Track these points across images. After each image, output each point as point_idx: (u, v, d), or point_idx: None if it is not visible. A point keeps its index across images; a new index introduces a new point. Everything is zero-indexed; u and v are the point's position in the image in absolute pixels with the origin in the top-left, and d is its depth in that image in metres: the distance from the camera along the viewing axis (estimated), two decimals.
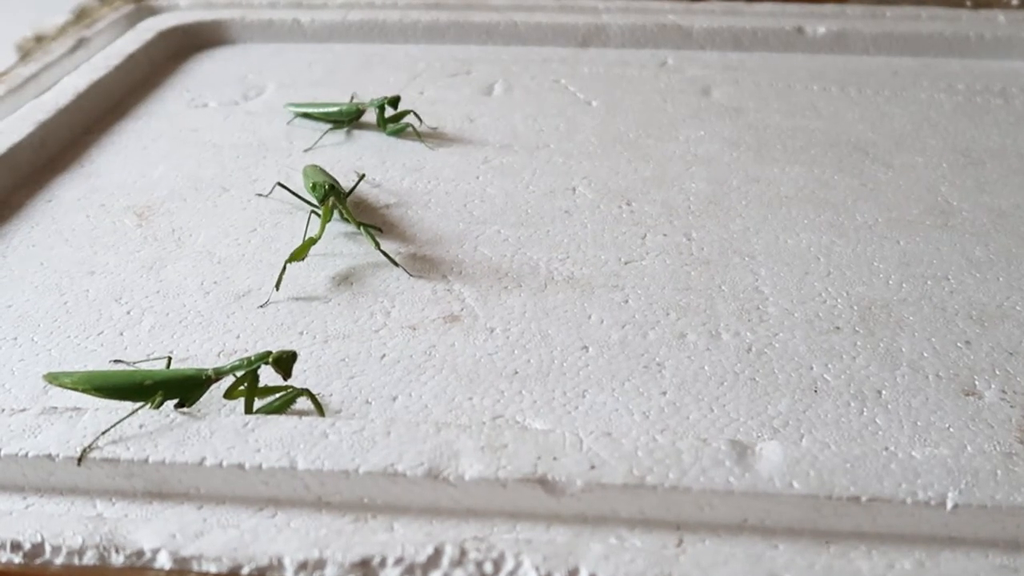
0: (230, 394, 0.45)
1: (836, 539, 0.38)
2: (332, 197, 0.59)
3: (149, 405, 0.42)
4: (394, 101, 0.73)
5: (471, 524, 0.39)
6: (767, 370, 0.48)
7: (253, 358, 0.44)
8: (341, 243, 0.59)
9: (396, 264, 0.56)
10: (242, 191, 0.66)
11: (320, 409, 0.45)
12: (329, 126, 0.75)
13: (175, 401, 0.44)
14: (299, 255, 0.55)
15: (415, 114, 0.74)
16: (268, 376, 0.47)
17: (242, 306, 0.54)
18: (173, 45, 0.91)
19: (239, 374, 0.44)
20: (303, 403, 0.45)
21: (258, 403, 0.45)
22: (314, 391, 0.46)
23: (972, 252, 0.57)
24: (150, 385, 0.43)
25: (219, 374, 0.44)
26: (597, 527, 0.39)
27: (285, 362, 0.44)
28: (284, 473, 0.40)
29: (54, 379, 0.45)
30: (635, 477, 0.38)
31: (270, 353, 0.43)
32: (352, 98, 0.77)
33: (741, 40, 0.89)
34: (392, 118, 0.74)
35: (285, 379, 0.44)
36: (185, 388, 0.44)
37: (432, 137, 0.74)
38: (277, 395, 0.45)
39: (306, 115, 0.76)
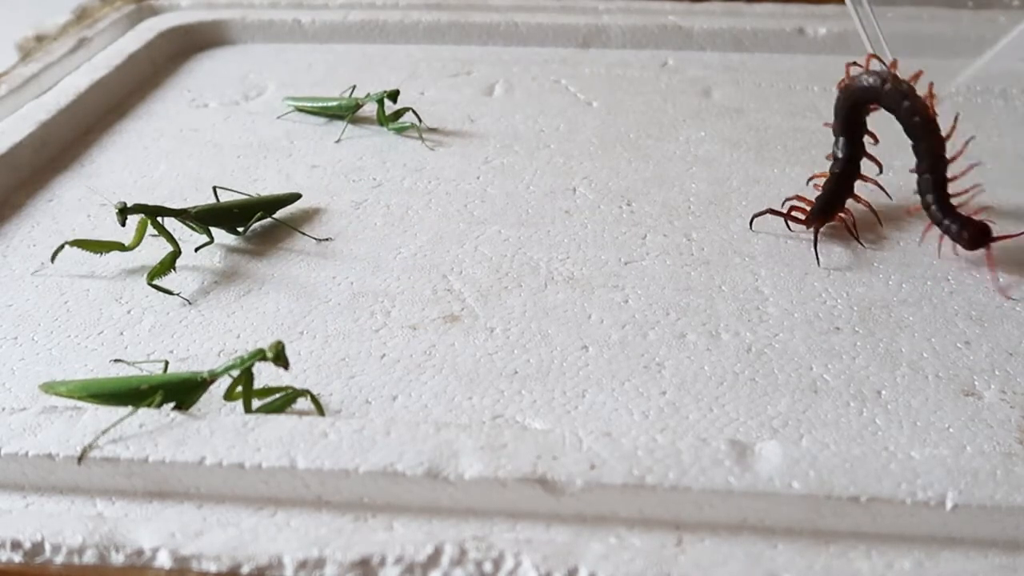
0: (229, 395, 0.45)
1: (835, 539, 0.38)
2: (140, 215, 0.56)
3: (147, 407, 0.43)
4: (394, 95, 0.73)
5: (471, 523, 0.39)
6: (767, 370, 0.48)
7: (246, 357, 0.44)
8: (340, 243, 0.59)
9: (171, 293, 0.54)
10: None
11: (320, 409, 0.45)
12: (326, 120, 0.76)
13: (171, 405, 0.44)
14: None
15: (414, 112, 0.75)
16: (268, 376, 0.47)
17: (242, 306, 0.54)
18: (174, 45, 0.91)
19: (234, 374, 0.44)
20: (303, 403, 0.45)
21: (258, 403, 0.45)
22: (314, 391, 0.46)
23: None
24: (146, 390, 0.43)
25: (214, 376, 0.44)
26: (597, 527, 0.39)
27: (282, 354, 0.44)
28: (284, 472, 0.40)
29: (50, 388, 0.45)
30: (635, 477, 0.38)
31: (262, 351, 0.43)
32: (352, 91, 0.78)
33: (742, 41, 0.89)
34: (393, 114, 0.74)
35: (286, 369, 0.44)
36: (181, 391, 0.44)
37: (433, 137, 0.74)
38: (277, 395, 0.45)
39: (302, 109, 0.77)
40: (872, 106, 0.59)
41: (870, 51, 0.59)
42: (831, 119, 0.61)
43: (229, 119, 0.78)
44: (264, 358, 0.43)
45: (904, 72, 0.57)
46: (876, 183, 0.60)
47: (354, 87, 0.79)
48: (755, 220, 0.60)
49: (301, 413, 0.45)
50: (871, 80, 0.57)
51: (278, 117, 0.77)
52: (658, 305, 0.53)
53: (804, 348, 0.50)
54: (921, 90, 0.57)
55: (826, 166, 0.61)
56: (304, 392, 0.45)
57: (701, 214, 0.62)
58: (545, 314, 0.53)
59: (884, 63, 0.58)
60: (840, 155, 0.59)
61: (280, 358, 0.43)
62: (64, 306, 0.54)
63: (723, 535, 0.38)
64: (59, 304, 0.54)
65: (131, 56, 0.85)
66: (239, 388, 0.44)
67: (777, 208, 0.59)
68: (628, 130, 0.74)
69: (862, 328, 0.51)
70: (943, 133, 0.57)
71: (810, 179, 0.62)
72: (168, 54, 0.90)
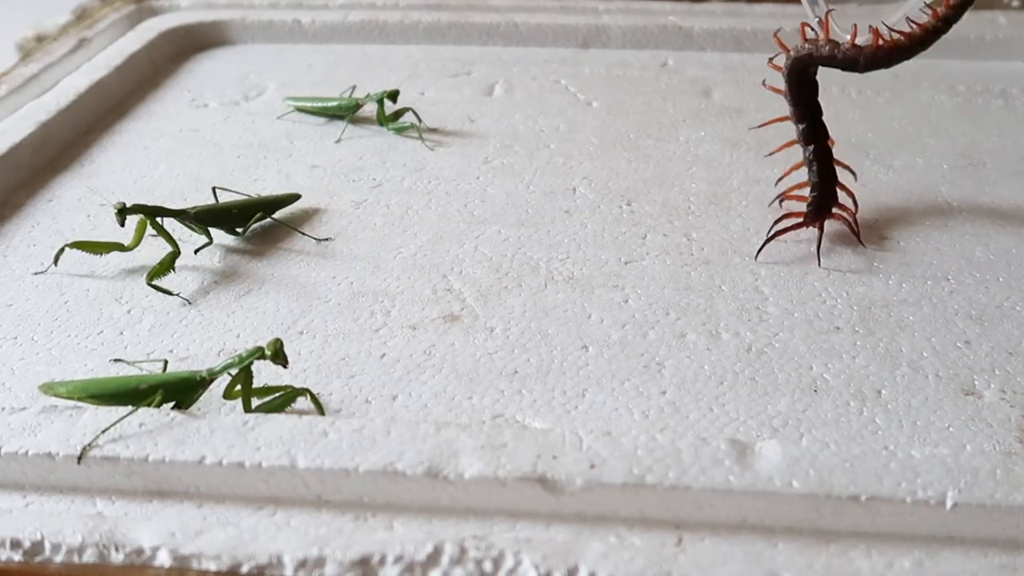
0: (228, 394, 0.45)
1: (836, 538, 0.38)
2: (139, 215, 0.56)
3: (147, 407, 0.42)
4: (393, 95, 0.74)
5: (471, 523, 0.39)
6: (767, 370, 0.48)
7: (244, 355, 0.44)
8: (340, 243, 0.59)
9: (171, 293, 0.54)
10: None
11: (320, 408, 0.45)
12: (326, 120, 0.76)
13: (171, 405, 0.44)
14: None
15: (414, 112, 0.75)
16: (268, 375, 0.47)
17: (242, 306, 0.54)
18: (174, 45, 0.91)
19: (233, 373, 0.44)
20: (303, 402, 0.45)
21: (257, 402, 0.45)
22: (314, 390, 0.46)
23: (972, 252, 0.57)
24: (145, 389, 0.43)
25: (212, 375, 0.44)
26: (597, 526, 0.39)
27: (280, 351, 0.44)
28: (284, 472, 0.40)
29: (49, 389, 0.45)
30: (635, 476, 0.38)
31: (261, 349, 0.43)
32: (352, 91, 0.78)
33: (742, 41, 0.89)
34: (393, 114, 0.74)
35: (285, 367, 0.44)
36: (180, 391, 0.44)
37: (433, 137, 0.74)
38: (276, 394, 0.45)
39: (302, 109, 0.77)
40: (814, 75, 0.59)
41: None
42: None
43: (229, 119, 0.78)
44: (263, 356, 0.43)
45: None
46: (840, 163, 0.60)
47: (354, 87, 0.79)
48: (761, 224, 0.59)
49: (301, 412, 0.45)
50: (800, 52, 0.58)
51: (278, 117, 0.77)
52: (658, 305, 0.53)
53: (804, 348, 0.50)
54: None
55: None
56: (304, 391, 0.45)
57: (701, 214, 0.62)
58: (545, 314, 0.53)
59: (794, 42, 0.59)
60: (810, 140, 0.59)
61: (278, 356, 0.44)
62: (64, 306, 0.54)
63: (723, 534, 0.38)
64: (59, 304, 0.54)
65: (131, 56, 0.85)
66: (238, 387, 0.44)
67: (776, 227, 0.58)
68: (628, 130, 0.75)
69: (862, 328, 0.51)
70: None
71: (779, 180, 0.61)
72: (168, 54, 0.90)
